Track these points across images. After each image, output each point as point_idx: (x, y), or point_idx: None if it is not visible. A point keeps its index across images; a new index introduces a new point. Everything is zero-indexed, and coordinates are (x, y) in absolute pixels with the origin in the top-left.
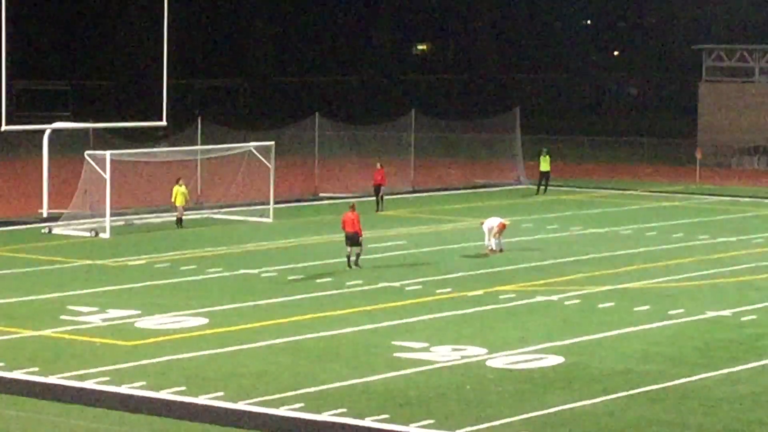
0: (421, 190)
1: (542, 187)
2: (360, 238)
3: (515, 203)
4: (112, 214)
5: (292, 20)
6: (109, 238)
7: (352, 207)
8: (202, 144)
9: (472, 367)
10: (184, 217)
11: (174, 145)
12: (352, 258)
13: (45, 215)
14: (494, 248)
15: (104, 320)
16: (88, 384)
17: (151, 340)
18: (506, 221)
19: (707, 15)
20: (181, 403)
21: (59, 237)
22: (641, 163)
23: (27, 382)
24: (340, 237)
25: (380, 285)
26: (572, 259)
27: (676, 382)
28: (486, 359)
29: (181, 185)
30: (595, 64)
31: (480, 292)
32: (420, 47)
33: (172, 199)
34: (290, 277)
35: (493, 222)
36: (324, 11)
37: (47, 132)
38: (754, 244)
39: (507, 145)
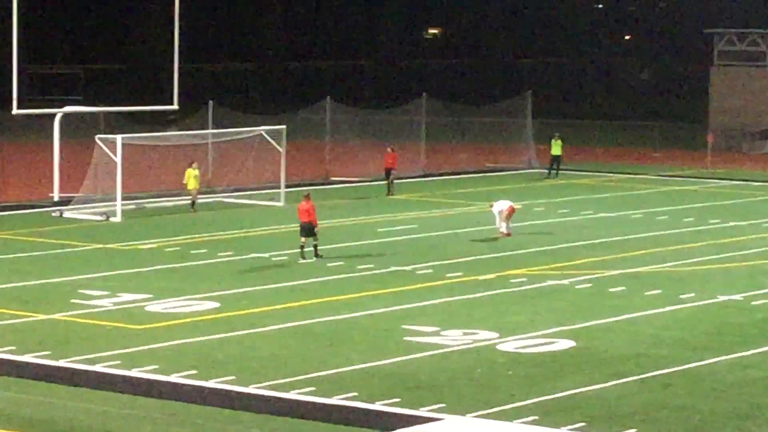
0: (432, 174)
1: (553, 171)
2: (316, 229)
3: (526, 187)
4: (123, 198)
5: (304, 4)
6: (120, 221)
7: (307, 196)
8: (213, 128)
9: (483, 351)
10: (197, 200)
11: (185, 129)
12: (307, 248)
13: (56, 199)
14: (504, 231)
15: (115, 304)
16: (99, 367)
17: (162, 323)
18: (516, 205)
19: None
20: (192, 386)
21: (70, 221)
22: (652, 147)
23: (38, 365)
24: (351, 221)
25: (391, 269)
26: (583, 243)
27: (687, 366)
28: (497, 343)
29: (194, 168)
30: (606, 48)
31: (491, 276)
32: (431, 31)
33: (184, 182)
34: (301, 261)
35: (503, 205)
36: None
37: (58, 116)
38: (765, 228)
39: (518, 129)
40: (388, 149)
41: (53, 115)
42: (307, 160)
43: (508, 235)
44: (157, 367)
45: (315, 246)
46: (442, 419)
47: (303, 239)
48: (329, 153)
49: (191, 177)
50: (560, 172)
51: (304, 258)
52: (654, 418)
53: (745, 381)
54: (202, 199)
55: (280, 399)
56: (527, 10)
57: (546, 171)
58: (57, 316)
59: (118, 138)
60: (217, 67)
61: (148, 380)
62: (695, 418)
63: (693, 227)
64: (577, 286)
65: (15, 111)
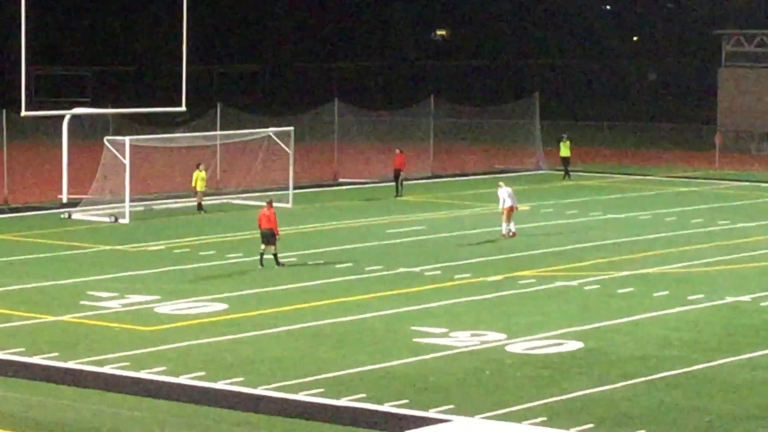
0: (440, 176)
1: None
2: (276, 237)
3: (535, 188)
4: (131, 200)
5: (312, 5)
6: (129, 223)
7: (269, 203)
8: (221, 129)
9: (492, 352)
10: (203, 202)
11: (193, 131)
12: (267, 257)
13: (65, 201)
14: (508, 232)
15: (124, 305)
16: (108, 369)
17: (171, 325)
18: (524, 206)
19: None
20: (201, 388)
21: (79, 222)
22: (660, 148)
23: (47, 367)
24: (359, 222)
25: (399, 270)
26: (591, 244)
27: (696, 367)
28: (505, 344)
29: (201, 170)
30: (614, 49)
31: (499, 277)
32: (439, 33)
33: (193, 184)
34: (309, 263)
35: (505, 193)
36: None
37: (67, 118)
38: None
39: (526, 130)
40: (397, 151)
41: (62, 117)
42: (316, 162)
43: (514, 235)
44: (165, 368)
45: (275, 255)
46: (451, 420)
47: (263, 246)
48: (337, 154)
49: (198, 179)
50: (569, 173)
51: (262, 265)
52: (662, 420)
53: (754, 382)
54: (210, 201)
55: (288, 400)
56: (535, 12)
57: (562, 173)
58: (65, 317)
59: (127, 140)
60: (225, 69)
61: (156, 382)
62: (704, 419)
63: (701, 228)
64: (585, 288)
65: (24, 113)
